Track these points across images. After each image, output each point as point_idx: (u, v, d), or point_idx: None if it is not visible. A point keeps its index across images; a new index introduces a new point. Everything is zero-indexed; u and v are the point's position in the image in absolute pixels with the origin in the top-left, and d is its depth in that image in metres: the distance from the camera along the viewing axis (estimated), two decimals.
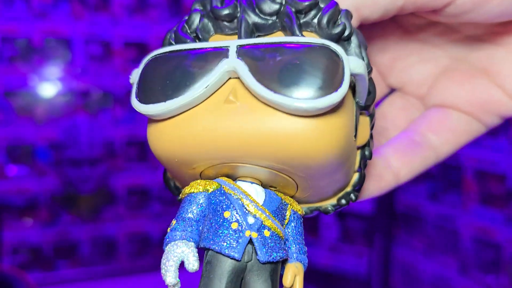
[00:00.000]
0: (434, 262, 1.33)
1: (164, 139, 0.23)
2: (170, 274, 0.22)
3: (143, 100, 0.22)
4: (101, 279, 1.59)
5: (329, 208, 0.28)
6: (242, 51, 0.21)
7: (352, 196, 0.27)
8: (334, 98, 0.20)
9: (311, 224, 1.51)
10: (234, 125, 0.21)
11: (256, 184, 0.25)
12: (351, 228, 1.47)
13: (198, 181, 0.24)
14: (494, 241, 1.16)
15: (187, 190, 0.24)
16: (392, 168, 0.29)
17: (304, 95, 0.20)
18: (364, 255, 1.45)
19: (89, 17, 1.53)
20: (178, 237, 0.23)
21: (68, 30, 1.51)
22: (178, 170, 0.25)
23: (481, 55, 0.29)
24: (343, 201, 0.27)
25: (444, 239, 1.30)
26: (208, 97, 0.22)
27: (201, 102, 0.22)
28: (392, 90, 0.33)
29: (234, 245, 0.22)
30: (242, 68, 0.21)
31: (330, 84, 0.20)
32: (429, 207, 1.34)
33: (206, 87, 0.21)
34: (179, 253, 0.22)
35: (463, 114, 0.30)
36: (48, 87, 1.51)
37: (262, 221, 0.23)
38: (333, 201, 0.27)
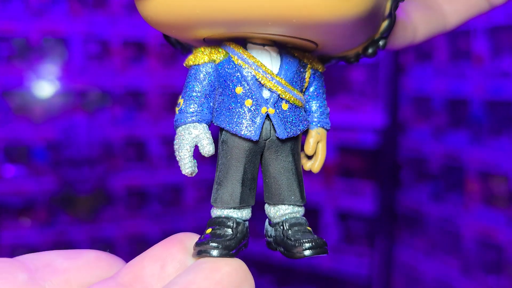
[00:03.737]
0: (436, 263, 1.32)
1: (153, 4, 0.19)
2: (185, 165, 0.20)
3: None
4: None
5: (352, 60, 0.25)
6: None
7: (381, 43, 0.24)
8: None
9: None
10: None
11: (269, 46, 0.21)
12: (352, 229, 1.46)
13: (202, 49, 0.21)
14: (496, 242, 1.15)
15: (190, 61, 0.22)
16: (413, 24, 0.28)
17: None
18: (365, 256, 1.44)
19: (87, 16, 1.51)
20: (188, 119, 0.21)
21: (66, 29, 1.49)
22: (178, 36, 0.22)
23: None
24: (370, 50, 0.24)
25: (446, 240, 1.29)
26: None
27: None
28: None
29: (250, 125, 0.20)
30: None
31: None
32: (431, 208, 1.34)
33: None
34: (192, 137, 0.20)
35: None
36: (46, 86, 1.50)
37: (279, 95, 0.21)
38: (358, 50, 0.24)
